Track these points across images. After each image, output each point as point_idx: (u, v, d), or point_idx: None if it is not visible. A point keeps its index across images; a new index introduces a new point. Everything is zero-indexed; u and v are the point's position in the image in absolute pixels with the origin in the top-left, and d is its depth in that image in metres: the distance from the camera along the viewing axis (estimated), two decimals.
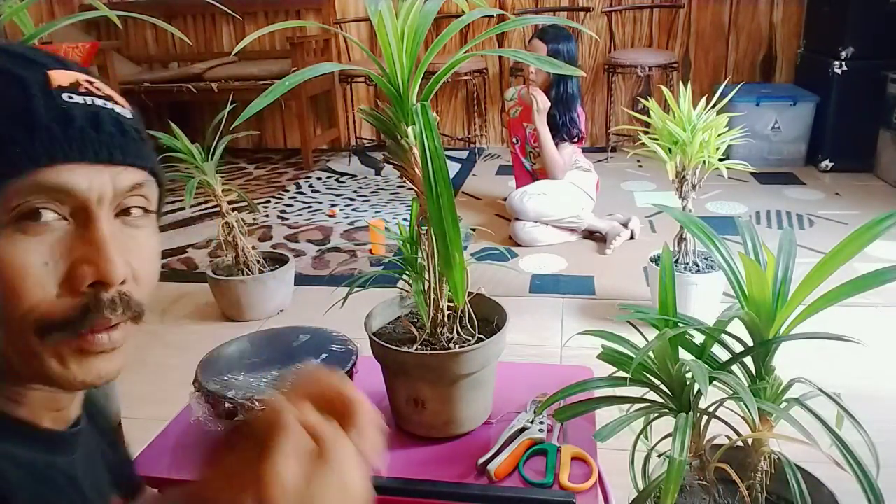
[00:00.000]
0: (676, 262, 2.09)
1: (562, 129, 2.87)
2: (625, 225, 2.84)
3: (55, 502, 0.51)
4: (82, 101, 0.50)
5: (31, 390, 0.52)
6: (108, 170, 0.50)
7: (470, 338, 1.04)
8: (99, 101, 0.51)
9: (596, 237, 2.86)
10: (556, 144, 2.89)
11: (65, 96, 0.49)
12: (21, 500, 0.47)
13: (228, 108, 2.07)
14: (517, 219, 2.83)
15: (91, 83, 0.52)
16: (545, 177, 2.95)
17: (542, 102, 2.82)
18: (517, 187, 3.12)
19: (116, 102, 0.53)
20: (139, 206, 0.54)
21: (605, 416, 0.91)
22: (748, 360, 0.86)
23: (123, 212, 0.52)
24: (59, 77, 0.50)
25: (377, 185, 3.83)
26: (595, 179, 2.99)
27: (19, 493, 0.47)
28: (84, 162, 0.48)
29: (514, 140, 3.09)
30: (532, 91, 2.82)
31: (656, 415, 0.88)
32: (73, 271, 0.48)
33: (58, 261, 0.48)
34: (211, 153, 2.13)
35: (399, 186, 3.74)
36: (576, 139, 2.92)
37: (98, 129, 0.49)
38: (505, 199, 3.03)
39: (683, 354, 0.86)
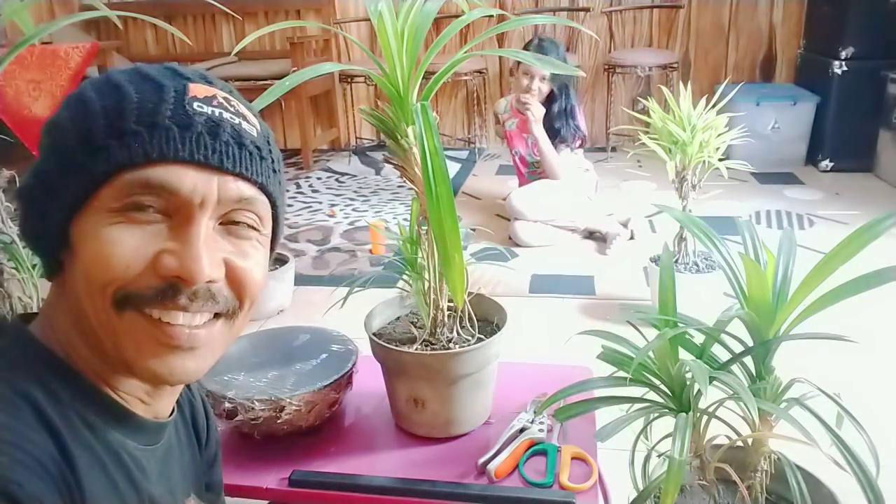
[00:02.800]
0: (676, 262, 2.09)
1: (566, 138, 2.89)
2: (624, 225, 2.84)
3: (118, 482, 0.53)
4: (209, 111, 0.53)
5: (126, 377, 0.56)
6: (218, 177, 0.53)
7: (470, 338, 1.04)
8: (227, 115, 0.54)
9: (596, 237, 2.86)
10: (558, 149, 2.90)
11: (195, 105, 0.53)
12: (82, 464, 0.50)
13: None
14: (516, 219, 2.83)
15: (228, 100, 0.56)
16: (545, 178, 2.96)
17: (537, 112, 2.81)
18: (519, 186, 3.13)
19: (246, 120, 0.56)
20: (248, 222, 0.56)
21: (605, 416, 0.91)
22: (748, 360, 0.86)
23: (231, 223, 0.55)
24: (198, 89, 0.54)
25: (377, 185, 3.83)
26: (594, 180, 3.00)
27: (83, 454, 0.50)
28: (193, 164, 0.51)
29: (514, 152, 3.10)
30: (523, 99, 2.80)
31: (656, 415, 0.88)
32: (159, 259, 0.51)
33: (148, 248, 0.51)
34: None
35: (399, 186, 3.74)
36: (578, 145, 2.93)
37: (215, 137, 0.52)
38: (505, 199, 3.03)
39: (683, 354, 0.86)
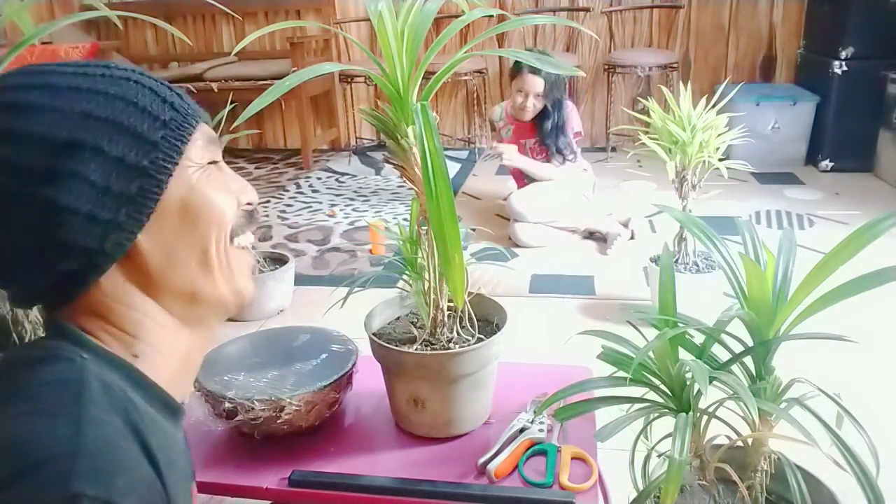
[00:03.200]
0: (676, 262, 2.09)
1: (560, 153, 2.88)
2: (625, 225, 2.84)
3: (179, 469, 0.58)
4: (167, 86, 0.64)
5: (168, 359, 0.61)
6: (206, 126, 0.65)
7: (470, 338, 1.04)
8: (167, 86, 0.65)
9: (596, 237, 2.86)
10: (553, 162, 2.90)
11: (158, 81, 0.64)
12: (162, 465, 0.53)
13: (228, 108, 2.07)
14: (517, 221, 2.83)
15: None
16: None
17: (507, 155, 2.88)
18: (518, 187, 3.12)
19: None
20: None
21: (605, 416, 0.91)
22: (748, 360, 0.86)
23: None
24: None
25: (377, 185, 3.83)
26: (592, 181, 2.99)
27: (158, 450, 0.54)
28: (202, 122, 0.64)
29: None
30: (493, 149, 2.89)
31: (656, 415, 0.88)
32: (240, 196, 0.65)
33: (226, 188, 0.64)
34: None
35: (399, 186, 3.74)
36: (571, 159, 2.91)
37: (188, 99, 0.64)
38: (505, 199, 3.03)
39: (683, 354, 0.86)
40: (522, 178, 3.08)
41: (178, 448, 0.61)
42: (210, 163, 0.63)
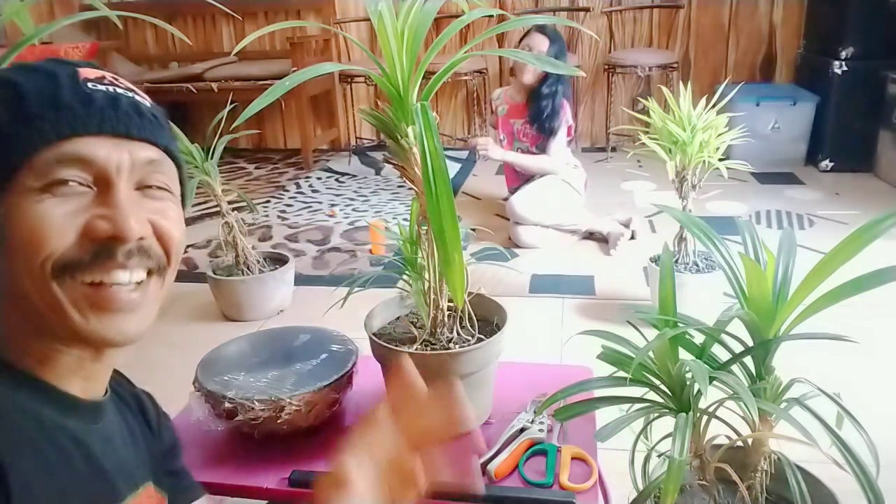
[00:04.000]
0: (676, 262, 2.09)
1: (545, 121, 2.86)
2: (626, 225, 2.84)
3: (54, 462, 0.54)
4: (104, 89, 0.57)
5: (60, 353, 0.58)
6: (127, 144, 0.57)
7: (470, 338, 1.04)
8: (120, 90, 0.59)
9: (596, 237, 2.86)
10: (545, 140, 2.90)
11: (89, 85, 0.57)
12: (4, 449, 0.50)
13: (228, 108, 2.07)
14: (517, 223, 2.83)
15: (116, 79, 0.60)
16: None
17: (492, 151, 2.88)
18: (507, 186, 3.12)
19: (137, 94, 0.61)
20: (159, 184, 0.60)
21: (605, 416, 0.91)
22: (748, 360, 0.86)
23: (145, 187, 0.59)
24: (87, 72, 0.58)
25: (377, 185, 3.83)
26: (584, 177, 2.98)
27: (7, 441, 0.51)
28: (102, 134, 0.56)
29: (500, 138, 3.08)
30: (479, 147, 2.89)
31: (656, 415, 0.88)
32: (91, 224, 0.55)
33: (78, 215, 0.55)
34: (211, 153, 2.13)
35: (399, 186, 3.74)
36: (557, 130, 2.88)
37: (115, 109, 0.57)
38: (505, 200, 3.03)
39: (683, 354, 0.86)
40: (515, 178, 3.08)
41: (62, 438, 0.56)
42: (61, 183, 0.54)
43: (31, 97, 0.55)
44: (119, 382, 0.71)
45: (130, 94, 0.59)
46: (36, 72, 0.57)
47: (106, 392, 0.65)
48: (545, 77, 2.84)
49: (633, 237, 2.80)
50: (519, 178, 3.04)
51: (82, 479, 0.57)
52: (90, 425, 0.60)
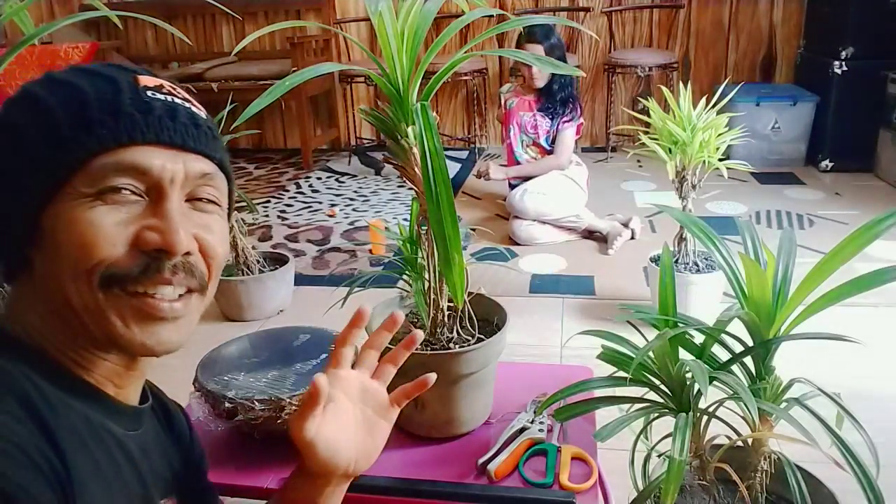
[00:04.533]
0: (676, 262, 2.09)
1: (563, 105, 2.93)
2: (625, 225, 2.84)
3: (104, 463, 0.55)
4: (163, 98, 0.58)
5: (100, 359, 0.58)
6: (182, 155, 0.57)
7: (470, 338, 1.04)
8: (178, 100, 0.59)
9: (596, 237, 2.86)
10: (558, 128, 2.95)
11: (148, 93, 0.57)
12: (69, 449, 0.51)
13: (228, 107, 2.07)
14: (516, 217, 2.83)
15: (174, 88, 0.60)
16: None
17: (493, 173, 3.00)
18: (509, 181, 3.13)
19: (194, 105, 0.61)
20: (209, 197, 0.61)
21: (605, 416, 0.91)
22: (748, 360, 0.86)
23: (195, 199, 0.59)
24: (146, 80, 0.58)
25: (377, 185, 3.83)
26: (586, 174, 3.02)
27: (69, 439, 0.52)
28: (160, 144, 0.56)
29: (508, 130, 3.10)
30: (484, 175, 3.01)
31: (656, 415, 0.88)
32: (141, 235, 0.55)
33: (129, 225, 0.55)
34: None
35: (399, 186, 3.74)
36: (575, 117, 2.94)
37: (174, 119, 0.57)
38: (504, 199, 3.03)
39: (683, 354, 0.86)
40: (513, 155, 3.12)
41: (109, 440, 0.57)
42: (116, 190, 0.54)
43: (92, 102, 0.55)
44: (154, 392, 0.71)
45: (188, 105, 0.59)
46: (97, 76, 0.57)
47: (147, 400, 0.66)
48: (554, 75, 2.88)
49: (633, 237, 2.80)
50: (515, 162, 3.08)
51: (126, 482, 0.58)
52: (129, 431, 0.61)
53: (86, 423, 0.55)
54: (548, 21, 1.09)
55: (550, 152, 3.01)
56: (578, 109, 2.97)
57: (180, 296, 0.58)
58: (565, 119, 2.94)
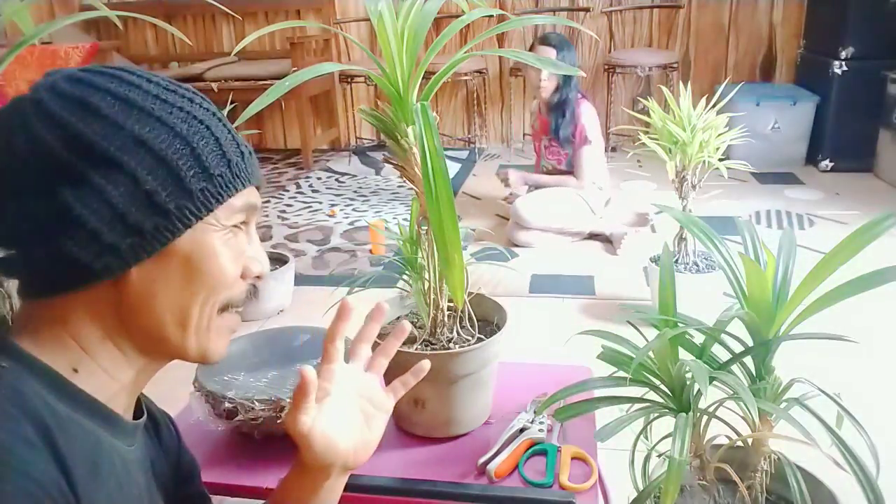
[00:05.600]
0: (676, 262, 2.09)
1: (561, 130, 2.87)
2: (641, 223, 2.84)
3: (109, 483, 0.56)
4: (238, 138, 0.63)
5: (124, 377, 0.60)
6: (255, 191, 0.64)
7: (470, 338, 1.04)
8: (239, 137, 0.64)
9: (600, 238, 2.86)
10: (570, 155, 2.91)
11: (232, 133, 0.63)
12: (80, 474, 0.52)
13: (228, 107, 2.07)
14: (519, 225, 2.82)
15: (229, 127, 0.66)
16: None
17: (513, 179, 3.02)
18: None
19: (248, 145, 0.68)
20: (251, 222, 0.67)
21: (605, 416, 0.91)
22: (748, 360, 0.85)
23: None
24: (220, 115, 0.64)
25: (377, 185, 3.83)
26: (606, 198, 2.94)
27: (80, 465, 0.53)
28: (253, 185, 0.63)
29: (537, 153, 3.12)
30: (504, 174, 3.04)
31: (656, 415, 0.88)
32: (249, 266, 0.63)
33: (240, 257, 0.62)
34: None
35: (399, 186, 3.74)
36: (581, 140, 2.87)
37: (252, 159, 0.64)
38: (505, 200, 3.03)
39: (683, 354, 0.86)
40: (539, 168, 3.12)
41: (116, 460, 0.58)
42: (236, 225, 0.62)
43: (225, 143, 0.60)
44: (144, 404, 0.72)
45: (250, 147, 0.65)
46: (214, 117, 0.61)
47: (142, 414, 0.67)
48: (557, 89, 2.85)
49: (653, 230, 2.83)
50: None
51: (128, 498, 0.59)
52: (128, 446, 0.62)
53: (97, 445, 0.56)
54: (546, 21, 1.09)
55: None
56: (593, 129, 2.86)
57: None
58: (577, 144, 2.88)
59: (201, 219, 0.58)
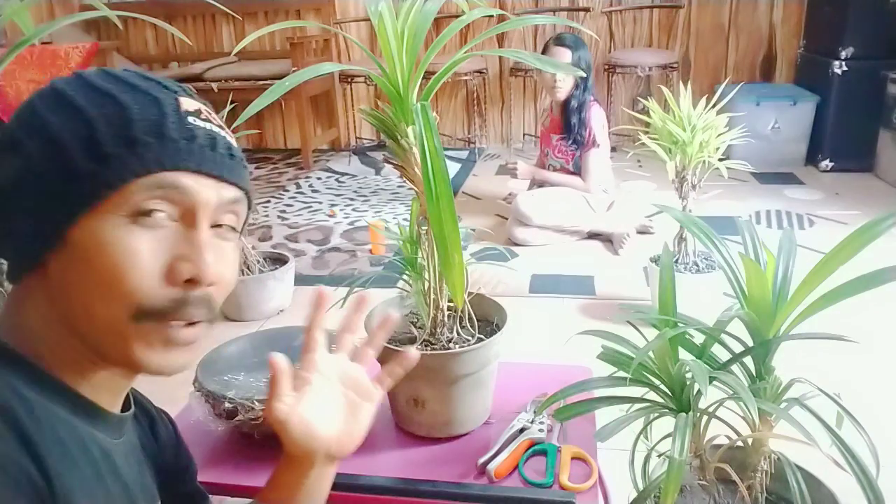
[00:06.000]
0: (676, 262, 2.09)
1: (577, 133, 2.87)
2: (643, 230, 2.85)
3: (85, 471, 0.55)
4: (204, 126, 0.58)
5: (99, 369, 0.58)
6: (216, 185, 0.58)
7: (470, 338, 1.04)
8: (215, 129, 0.60)
9: (602, 238, 2.86)
10: (579, 156, 2.91)
11: (190, 119, 0.57)
12: (53, 461, 0.51)
13: (228, 107, 2.07)
14: (520, 222, 2.82)
15: (210, 113, 0.61)
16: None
17: (521, 171, 3.00)
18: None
19: (225, 131, 0.62)
20: (230, 223, 0.61)
21: (605, 416, 0.91)
22: (748, 360, 0.85)
23: (216, 225, 0.60)
24: (187, 104, 0.58)
25: (377, 185, 3.83)
26: (609, 201, 2.94)
27: (53, 451, 0.51)
28: (199, 173, 0.57)
29: (543, 150, 3.12)
30: (514, 164, 3.01)
31: (656, 415, 0.88)
32: (175, 265, 0.55)
33: (162, 254, 0.55)
34: None
35: (399, 186, 3.74)
36: (590, 142, 2.87)
37: (213, 150, 0.58)
38: (504, 199, 3.03)
39: (683, 354, 0.86)
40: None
41: (95, 450, 0.57)
42: (145, 213, 0.54)
43: (137, 121, 0.54)
44: (137, 400, 0.71)
45: (223, 133, 0.60)
46: (139, 92, 0.56)
47: (130, 407, 0.66)
48: (574, 89, 2.84)
49: (651, 232, 2.84)
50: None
51: (110, 492, 0.57)
52: (114, 439, 0.61)
53: (72, 433, 0.55)
54: (546, 21, 1.09)
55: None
56: (602, 134, 2.86)
57: (194, 323, 0.59)
58: (586, 147, 2.88)
59: (92, 205, 0.53)
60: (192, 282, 0.55)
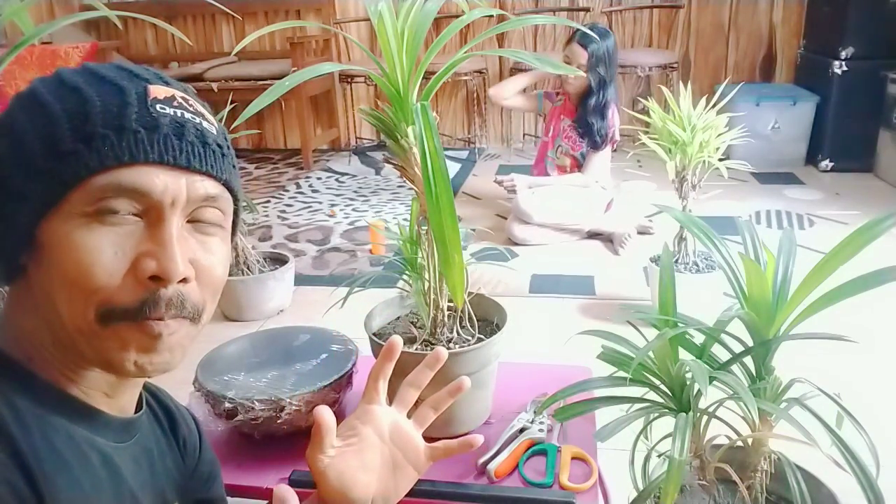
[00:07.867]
0: (676, 262, 2.09)
1: (597, 142, 2.89)
2: (643, 231, 2.84)
3: (82, 479, 0.53)
4: (171, 112, 0.54)
5: (92, 371, 0.56)
6: (186, 176, 0.54)
7: (470, 338, 1.04)
8: (188, 115, 0.55)
9: (603, 238, 2.86)
10: (586, 150, 2.93)
11: (157, 107, 0.54)
12: (45, 471, 0.49)
13: (228, 107, 2.07)
14: (520, 220, 2.82)
15: (186, 100, 0.57)
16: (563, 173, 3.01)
17: (519, 183, 2.94)
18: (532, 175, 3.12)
19: (205, 119, 0.57)
20: (213, 220, 0.58)
21: (605, 416, 0.91)
22: (748, 360, 0.85)
23: (197, 221, 0.57)
24: (157, 91, 0.55)
25: (377, 185, 3.83)
26: (609, 198, 2.96)
27: (44, 461, 0.50)
28: (162, 165, 0.53)
29: (548, 128, 3.10)
30: (507, 187, 2.94)
31: (656, 415, 0.88)
32: (138, 263, 0.52)
33: (126, 252, 0.52)
34: None
35: (399, 186, 3.74)
36: (602, 146, 2.90)
37: (180, 138, 0.54)
38: (500, 184, 3.01)
39: (683, 354, 0.86)
40: (539, 167, 3.11)
41: (94, 456, 0.55)
42: (107, 211, 0.52)
43: (96, 113, 0.52)
44: (156, 397, 0.70)
45: (198, 120, 0.56)
46: (103, 82, 0.54)
47: (140, 408, 0.64)
48: (592, 88, 2.84)
49: (651, 232, 2.84)
50: (544, 165, 3.07)
51: (111, 498, 0.56)
52: (119, 443, 0.59)
53: (68, 440, 0.53)
54: (546, 21, 1.09)
55: (580, 168, 2.99)
56: (615, 129, 2.89)
57: (170, 322, 0.56)
58: (594, 147, 2.90)
59: (54, 204, 0.51)
60: (158, 279, 0.53)
